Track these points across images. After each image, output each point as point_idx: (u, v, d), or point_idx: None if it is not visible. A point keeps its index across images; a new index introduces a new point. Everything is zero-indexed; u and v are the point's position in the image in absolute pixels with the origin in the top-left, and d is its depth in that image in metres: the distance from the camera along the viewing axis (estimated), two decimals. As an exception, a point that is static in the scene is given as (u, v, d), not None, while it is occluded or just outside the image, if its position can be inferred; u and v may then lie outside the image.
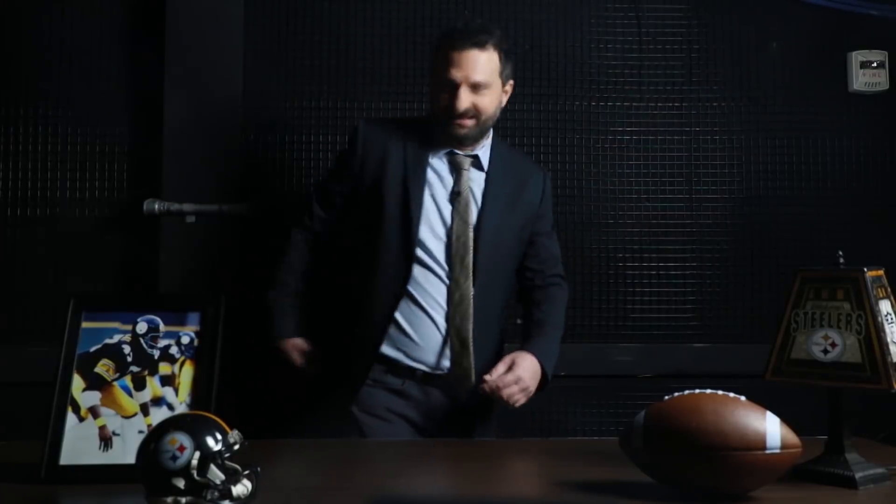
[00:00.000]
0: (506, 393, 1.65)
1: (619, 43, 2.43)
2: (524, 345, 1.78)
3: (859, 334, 1.21)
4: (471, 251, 1.73)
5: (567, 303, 1.92)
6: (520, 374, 1.67)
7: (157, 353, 1.31)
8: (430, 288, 1.73)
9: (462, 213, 1.75)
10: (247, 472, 1.08)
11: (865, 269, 1.22)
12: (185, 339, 1.32)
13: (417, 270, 1.73)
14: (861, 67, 2.41)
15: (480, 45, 1.69)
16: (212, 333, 1.31)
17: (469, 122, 1.72)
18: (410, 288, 1.73)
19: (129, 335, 1.32)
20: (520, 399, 1.69)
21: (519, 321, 2.19)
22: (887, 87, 2.42)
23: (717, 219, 2.41)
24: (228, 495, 1.04)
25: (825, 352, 1.24)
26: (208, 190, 2.24)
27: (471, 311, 1.72)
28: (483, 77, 1.70)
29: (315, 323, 1.89)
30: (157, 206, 2.20)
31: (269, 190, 2.32)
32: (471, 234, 1.74)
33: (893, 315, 1.23)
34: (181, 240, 2.22)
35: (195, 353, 1.31)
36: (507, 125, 2.38)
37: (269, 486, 1.15)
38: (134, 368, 1.30)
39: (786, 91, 2.45)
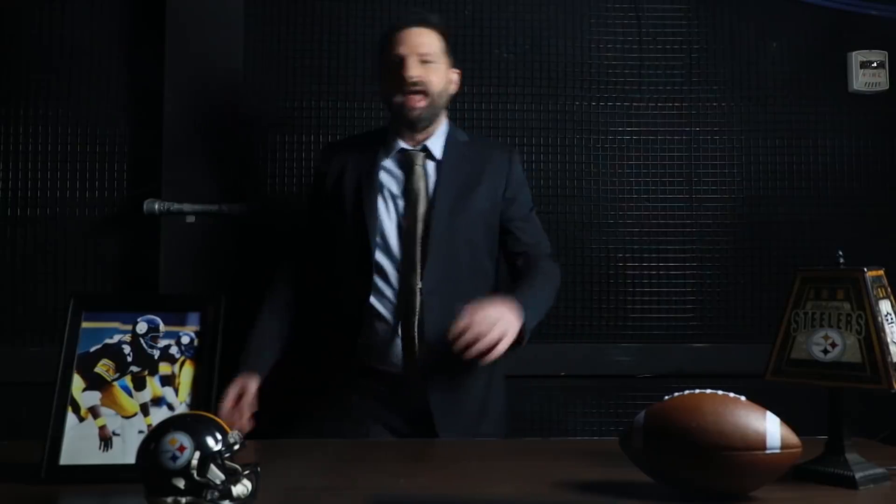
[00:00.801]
0: (476, 344, 1.46)
1: (619, 43, 2.43)
2: None
3: (859, 334, 1.21)
4: (417, 243, 1.71)
5: (559, 281, 1.80)
6: (486, 313, 1.49)
7: (157, 353, 1.31)
8: (386, 289, 1.73)
9: (413, 207, 1.74)
10: (247, 472, 1.08)
11: (865, 269, 1.22)
12: (185, 339, 1.32)
13: (376, 274, 1.73)
14: (861, 67, 2.41)
15: (425, 23, 1.76)
16: (212, 333, 1.32)
17: (421, 102, 1.73)
18: (371, 292, 1.73)
19: (129, 335, 1.32)
20: (494, 337, 1.47)
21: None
22: (887, 87, 2.42)
23: (717, 219, 2.41)
24: (228, 495, 1.04)
25: (825, 352, 1.24)
26: (208, 190, 2.24)
27: (417, 304, 1.69)
28: (429, 50, 1.73)
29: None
30: (157, 206, 2.20)
31: (268, 190, 2.32)
32: (419, 227, 1.72)
33: (893, 315, 1.23)
34: (181, 240, 2.22)
35: (195, 353, 1.31)
36: (507, 125, 2.38)
37: (269, 486, 1.15)
38: (134, 368, 1.30)
39: (786, 91, 2.45)
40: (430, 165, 1.79)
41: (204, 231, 2.23)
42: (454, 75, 1.83)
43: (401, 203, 1.75)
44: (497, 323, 1.49)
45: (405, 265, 1.71)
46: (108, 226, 2.30)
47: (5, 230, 2.28)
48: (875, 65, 2.42)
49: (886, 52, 2.42)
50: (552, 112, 2.40)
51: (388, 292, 1.72)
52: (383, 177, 1.79)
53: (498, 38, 2.40)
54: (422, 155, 1.78)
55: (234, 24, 2.29)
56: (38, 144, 2.30)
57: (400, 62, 1.73)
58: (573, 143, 2.40)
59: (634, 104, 2.42)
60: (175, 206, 2.21)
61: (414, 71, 1.71)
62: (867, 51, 2.42)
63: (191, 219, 2.23)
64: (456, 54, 1.86)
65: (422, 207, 1.73)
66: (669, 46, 2.44)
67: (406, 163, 1.78)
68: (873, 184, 2.44)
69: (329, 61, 2.37)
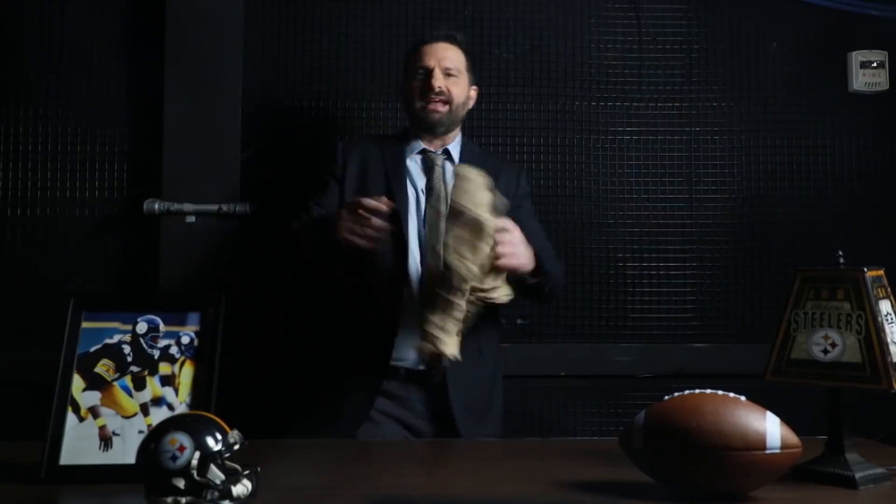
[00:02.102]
0: (502, 246, 1.58)
1: (619, 43, 2.43)
2: None
3: (859, 334, 1.20)
4: (441, 240, 1.72)
5: (563, 272, 1.90)
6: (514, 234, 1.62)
7: (157, 353, 1.31)
8: (413, 278, 1.76)
9: (435, 205, 1.80)
10: (247, 472, 1.08)
11: (865, 269, 1.22)
12: (185, 339, 1.32)
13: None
14: (861, 67, 2.41)
15: (450, 40, 1.89)
16: (212, 333, 1.31)
17: (442, 108, 1.83)
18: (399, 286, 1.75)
19: (129, 335, 1.32)
20: (510, 255, 1.60)
21: (520, 321, 2.18)
22: (887, 87, 2.42)
23: (717, 219, 2.41)
24: (228, 495, 1.04)
25: (825, 352, 1.24)
26: (208, 190, 2.24)
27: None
28: (453, 65, 1.86)
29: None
30: (157, 206, 2.20)
31: (268, 190, 2.32)
32: (442, 225, 1.75)
33: (893, 315, 1.23)
34: (181, 240, 2.22)
35: (195, 353, 1.31)
36: (507, 125, 2.38)
37: (269, 486, 1.15)
38: (134, 368, 1.30)
39: (786, 91, 2.45)
40: (449, 168, 1.85)
41: (204, 231, 2.23)
42: (473, 92, 1.94)
43: (423, 198, 1.83)
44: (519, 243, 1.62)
45: (428, 257, 1.74)
46: (108, 226, 2.30)
47: (5, 230, 2.28)
48: (875, 65, 2.42)
49: (886, 52, 2.42)
50: (552, 112, 2.40)
51: (414, 281, 1.75)
52: (409, 170, 1.86)
53: (498, 38, 2.41)
54: (442, 157, 1.87)
55: (234, 24, 2.29)
56: (38, 144, 2.30)
57: (426, 73, 1.84)
58: (573, 143, 2.40)
59: (634, 104, 2.42)
60: (175, 206, 2.21)
61: (439, 81, 1.83)
62: (867, 51, 2.42)
63: (191, 219, 2.23)
64: (477, 71, 1.97)
65: (442, 207, 1.78)
66: (669, 46, 2.44)
67: (427, 162, 1.86)
68: (873, 184, 2.44)
69: (329, 61, 2.37)
